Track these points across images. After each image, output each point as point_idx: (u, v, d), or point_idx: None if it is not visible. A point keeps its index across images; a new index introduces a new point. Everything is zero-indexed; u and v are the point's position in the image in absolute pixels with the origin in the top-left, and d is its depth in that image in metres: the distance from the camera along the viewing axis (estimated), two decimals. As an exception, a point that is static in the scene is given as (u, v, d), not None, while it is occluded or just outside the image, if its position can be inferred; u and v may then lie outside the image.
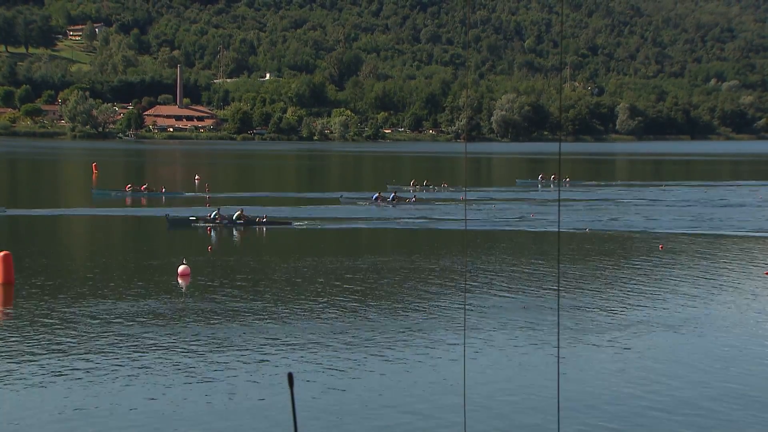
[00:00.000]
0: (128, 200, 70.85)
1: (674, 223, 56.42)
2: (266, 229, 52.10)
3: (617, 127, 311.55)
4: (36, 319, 27.86)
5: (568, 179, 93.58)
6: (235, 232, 51.22)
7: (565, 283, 35.38)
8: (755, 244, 47.86)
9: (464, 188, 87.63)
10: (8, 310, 29.70)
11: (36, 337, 25.53)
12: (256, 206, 61.07)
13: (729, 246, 47.21)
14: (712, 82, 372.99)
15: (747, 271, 38.79)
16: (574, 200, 72.97)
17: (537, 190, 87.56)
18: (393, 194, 67.65)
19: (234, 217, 52.51)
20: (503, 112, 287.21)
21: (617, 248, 46.12)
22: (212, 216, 52.65)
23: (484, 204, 69.26)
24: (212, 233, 50.50)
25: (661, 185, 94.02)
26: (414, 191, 78.42)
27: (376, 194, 67.65)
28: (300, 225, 53.56)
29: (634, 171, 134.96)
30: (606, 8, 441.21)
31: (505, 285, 34.50)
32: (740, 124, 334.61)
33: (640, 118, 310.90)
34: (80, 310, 28.99)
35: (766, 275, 37.70)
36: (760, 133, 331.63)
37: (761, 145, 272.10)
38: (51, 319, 27.78)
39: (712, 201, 74.33)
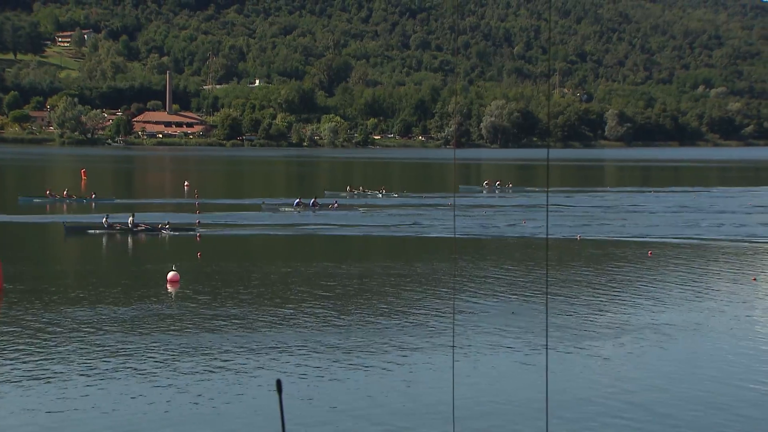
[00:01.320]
0: (48, 207, 69.38)
1: (604, 230, 56.15)
2: (168, 235, 51.43)
3: (606, 133, 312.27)
4: (23, 325, 27.77)
5: (510, 185, 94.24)
6: (130, 240, 50.41)
7: (531, 287, 35.44)
8: (744, 251, 47.85)
9: (453, 194, 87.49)
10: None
11: (23, 344, 25.43)
12: (167, 212, 62.09)
13: (717, 252, 47.26)
14: (700, 88, 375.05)
15: (735, 278, 38.90)
16: (512, 206, 73.54)
17: (482, 196, 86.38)
18: (313, 200, 67.70)
19: (129, 224, 51.78)
20: (492, 119, 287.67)
21: (603, 254, 46.11)
22: (104, 222, 51.94)
23: (416, 209, 69.50)
24: (104, 240, 49.93)
25: (606, 190, 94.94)
26: (350, 197, 79.27)
27: (297, 200, 67.85)
28: (203, 231, 53.19)
29: (601, 177, 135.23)
30: (594, 15, 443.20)
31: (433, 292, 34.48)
32: (728, 130, 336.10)
33: (628, 124, 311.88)
34: (64, 316, 28.92)
35: (754, 281, 37.77)
36: (748, 140, 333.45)
37: (749, 151, 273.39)
38: (38, 325, 27.66)
39: (686, 206, 74.57)
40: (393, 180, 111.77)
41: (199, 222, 57.00)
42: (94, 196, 74.35)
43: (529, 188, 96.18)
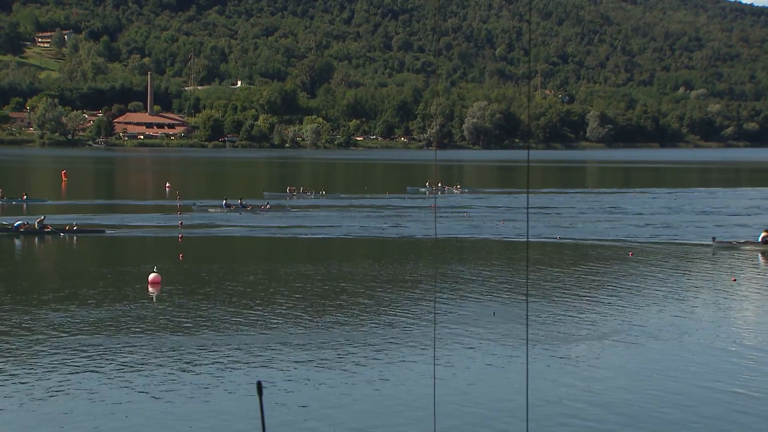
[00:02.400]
0: None
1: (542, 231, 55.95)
2: (76, 237, 50.62)
3: (588, 134, 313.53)
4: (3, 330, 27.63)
5: (458, 186, 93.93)
6: (37, 242, 49.39)
7: (507, 289, 35.48)
8: (723, 252, 47.85)
9: (437, 194, 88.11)
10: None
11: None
12: (148, 213, 62.28)
13: (697, 253, 47.36)
14: (681, 90, 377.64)
15: (715, 279, 39.11)
16: (463, 207, 73.24)
17: (425, 197, 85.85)
18: (240, 201, 67.32)
19: (37, 225, 50.90)
20: (474, 120, 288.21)
21: (583, 255, 46.16)
22: (15, 225, 51.11)
23: (361, 209, 69.50)
24: (16, 242, 49.17)
25: (588, 191, 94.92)
26: (290, 198, 79.19)
27: (224, 201, 67.45)
28: (112, 233, 52.57)
29: (581, 178, 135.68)
30: (576, 17, 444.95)
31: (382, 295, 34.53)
32: (708, 132, 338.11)
33: (610, 125, 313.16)
34: (41, 319, 28.78)
35: (734, 282, 37.97)
36: (728, 141, 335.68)
37: (729, 152, 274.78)
38: (16, 329, 27.47)
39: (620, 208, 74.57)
40: (355, 181, 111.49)
41: (181, 223, 56.61)
42: (25, 197, 73.10)
43: (479, 189, 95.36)
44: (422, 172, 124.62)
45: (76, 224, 52.51)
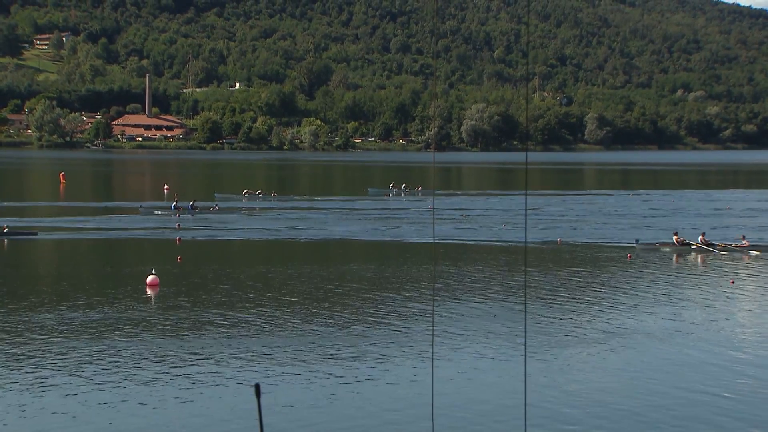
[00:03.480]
0: None
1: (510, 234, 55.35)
2: (7, 240, 49.31)
3: (586, 136, 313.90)
4: (4, 329, 27.60)
5: (420, 188, 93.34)
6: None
7: (496, 291, 35.46)
8: (721, 253, 47.49)
9: (433, 197, 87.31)
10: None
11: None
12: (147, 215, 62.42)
13: (695, 255, 47.08)
14: (679, 92, 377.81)
15: (713, 280, 39.11)
16: (425, 208, 72.88)
17: (388, 199, 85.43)
18: (191, 203, 66.43)
19: None
20: (473, 122, 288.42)
21: (582, 258, 46.07)
22: None
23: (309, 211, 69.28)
24: None
25: (585, 193, 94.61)
26: (245, 200, 78.16)
27: (174, 203, 66.53)
28: (47, 236, 51.70)
29: (579, 180, 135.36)
30: (574, 19, 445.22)
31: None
32: (706, 134, 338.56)
33: (608, 128, 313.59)
34: (38, 321, 28.68)
35: (732, 284, 37.92)
36: (726, 143, 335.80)
37: (727, 155, 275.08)
38: (12, 331, 27.36)
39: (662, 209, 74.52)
40: (335, 183, 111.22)
41: (179, 225, 56.44)
42: None
43: (439, 191, 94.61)
44: (404, 174, 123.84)
45: (7, 226, 51.05)
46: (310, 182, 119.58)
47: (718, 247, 47.18)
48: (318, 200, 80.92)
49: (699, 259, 45.52)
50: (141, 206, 67.90)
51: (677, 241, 47.74)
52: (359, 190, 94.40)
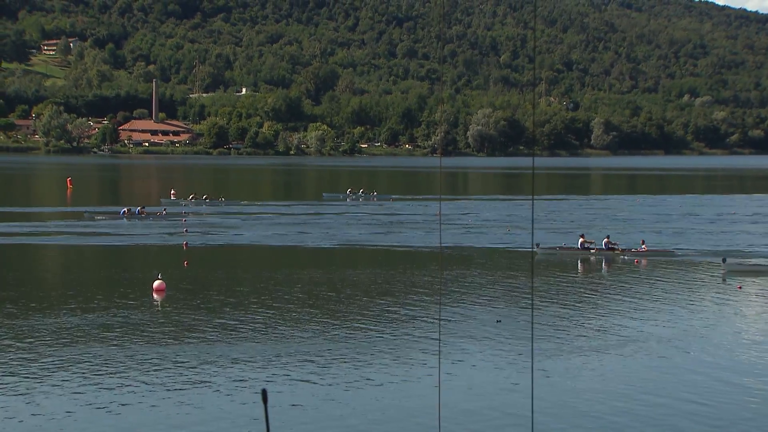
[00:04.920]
0: None
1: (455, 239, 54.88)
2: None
3: (592, 142, 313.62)
4: (5, 333, 27.53)
5: (375, 193, 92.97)
6: None
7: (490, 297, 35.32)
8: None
9: (440, 201, 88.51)
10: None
11: (4, 353, 25.23)
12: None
13: (702, 260, 46.82)
14: (685, 97, 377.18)
15: (720, 286, 38.97)
16: (372, 213, 72.99)
17: (345, 204, 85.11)
18: (139, 209, 66.06)
19: None
20: (479, 127, 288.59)
21: (589, 262, 45.92)
22: None
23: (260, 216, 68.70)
24: None
25: (587, 198, 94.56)
26: (189, 204, 77.21)
27: (124, 209, 66.04)
28: (49, 240, 51.72)
29: (586, 185, 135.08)
30: (581, 24, 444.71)
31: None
32: (713, 139, 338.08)
33: (614, 133, 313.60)
34: (46, 325, 28.67)
35: (739, 289, 37.82)
36: (733, 149, 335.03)
37: (734, 160, 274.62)
38: (19, 335, 27.32)
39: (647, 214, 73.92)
40: (299, 188, 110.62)
41: (186, 230, 56.83)
42: None
43: (395, 195, 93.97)
44: (410, 179, 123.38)
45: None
46: (271, 187, 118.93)
47: (618, 251, 47.34)
48: (267, 205, 79.99)
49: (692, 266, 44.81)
50: (86, 212, 67.40)
51: (581, 244, 47.84)
52: (318, 195, 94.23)
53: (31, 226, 60.63)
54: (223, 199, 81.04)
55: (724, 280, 40.17)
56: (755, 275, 41.13)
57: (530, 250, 47.15)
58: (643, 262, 45.67)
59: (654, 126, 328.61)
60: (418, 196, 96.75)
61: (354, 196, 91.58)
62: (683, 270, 43.01)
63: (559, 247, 48.58)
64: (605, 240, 48.33)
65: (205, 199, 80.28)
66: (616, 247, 47.88)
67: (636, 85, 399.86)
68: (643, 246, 47.81)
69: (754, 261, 44.05)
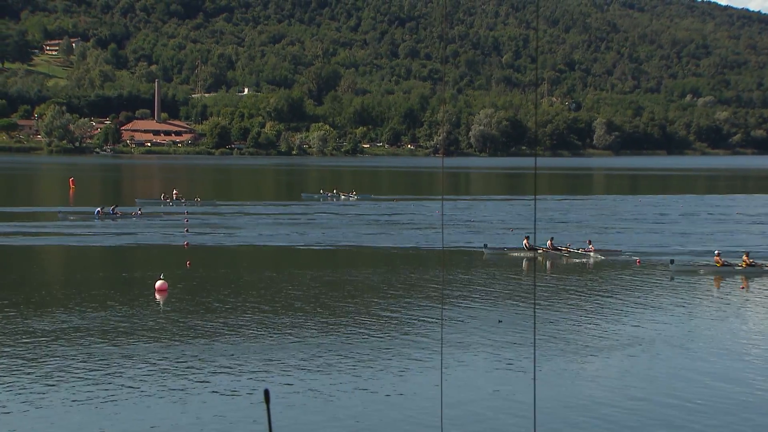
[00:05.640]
0: None
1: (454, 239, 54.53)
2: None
3: (594, 142, 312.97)
4: (7, 334, 27.54)
5: (353, 192, 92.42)
6: None
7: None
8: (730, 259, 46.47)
9: (441, 201, 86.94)
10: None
11: (7, 354, 25.27)
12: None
13: (705, 260, 46.26)
14: (688, 97, 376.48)
15: (724, 286, 39.03)
16: (358, 213, 72.53)
17: (319, 203, 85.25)
18: (113, 208, 65.72)
19: None
20: (481, 127, 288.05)
21: (590, 264, 45.69)
22: None
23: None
24: None
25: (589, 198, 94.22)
26: (165, 205, 76.78)
27: (98, 209, 65.68)
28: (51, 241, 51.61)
29: (588, 185, 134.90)
30: (583, 24, 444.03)
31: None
32: (716, 139, 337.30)
33: (617, 133, 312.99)
34: (47, 325, 28.66)
35: (742, 289, 37.86)
36: (735, 149, 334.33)
37: (736, 160, 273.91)
38: (19, 335, 27.33)
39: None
40: (284, 188, 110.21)
41: (187, 230, 56.93)
42: None
43: (375, 196, 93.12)
44: (413, 179, 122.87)
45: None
46: (255, 187, 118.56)
47: (564, 252, 47.61)
48: (245, 205, 79.64)
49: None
50: (60, 212, 66.79)
51: (527, 246, 48.06)
52: (296, 195, 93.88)
53: (25, 226, 60.37)
54: (198, 200, 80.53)
55: (671, 279, 40.39)
56: (702, 276, 41.30)
57: (479, 250, 48.10)
58: (590, 261, 45.92)
59: (656, 126, 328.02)
60: (399, 196, 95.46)
61: (333, 196, 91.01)
62: (683, 272, 42.56)
63: (506, 248, 49.12)
64: (549, 241, 48.61)
65: (178, 198, 79.77)
66: (560, 247, 48.13)
67: (638, 85, 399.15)
68: (590, 246, 47.87)
69: (702, 262, 44.14)
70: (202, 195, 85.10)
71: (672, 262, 42.84)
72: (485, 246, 48.89)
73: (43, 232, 56.93)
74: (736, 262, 42.82)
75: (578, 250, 47.80)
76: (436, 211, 74.89)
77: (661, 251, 49.94)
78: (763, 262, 43.37)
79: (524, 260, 46.64)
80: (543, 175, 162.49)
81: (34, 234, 55.80)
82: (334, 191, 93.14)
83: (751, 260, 42.36)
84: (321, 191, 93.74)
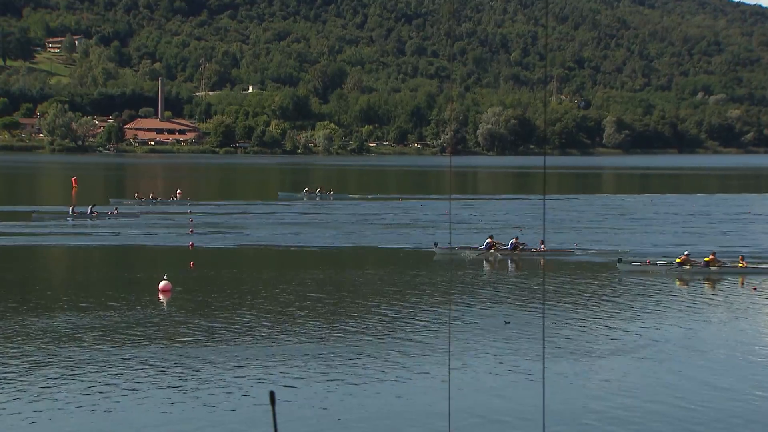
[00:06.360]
0: None
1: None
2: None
3: (604, 140, 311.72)
4: (7, 334, 27.61)
5: (332, 192, 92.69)
6: None
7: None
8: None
9: (449, 200, 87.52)
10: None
11: (10, 355, 25.26)
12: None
13: (598, 262, 46.19)
14: (699, 95, 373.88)
15: (735, 288, 38.75)
16: (335, 213, 72.68)
17: (302, 203, 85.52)
18: (90, 208, 65.63)
19: None
20: (489, 126, 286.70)
21: (600, 265, 44.36)
22: None
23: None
24: None
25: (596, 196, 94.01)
26: (138, 204, 76.82)
27: (71, 208, 66.01)
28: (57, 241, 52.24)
29: (598, 184, 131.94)
30: (592, 21, 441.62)
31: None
32: (728, 137, 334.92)
33: (627, 131, 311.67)
34: (50, 326, 28.69)
35: (754, 291, 37.53)
36: (748, 147, 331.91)
37: (749, 159, 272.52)
38: (22, 336, 27.39)
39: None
40: (262, 187, 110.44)
41: (192, 231, 56.97)
42: None
43: (351, 195, 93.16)
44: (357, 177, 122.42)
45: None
46: (228, 186, 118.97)
47: (516, 251, 47.39)
48: (220, 204, 79.61)
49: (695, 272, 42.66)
50: (34, 212, 66.30)
51: (487, 245, 47.92)
52: (272, 196, 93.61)
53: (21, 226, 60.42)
54: (174, 198, 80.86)
55: (619, 280, 40.05)
56: (650, 275, 40.90)
57: (431, 249, 47.89)
58: (541, 261, 46.15)
59: (667, 124, 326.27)
60: (380, 195, 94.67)
61: (311, 196, 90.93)
62: (696, 274, 41.73)
63: (458, 247, 48.96)
64: (513, 240, 48.40)
65: (153, 198, 79.98)
66: (519, 246, 47.96)
67: (649, 82, 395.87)
68: (542, 246, 47.54)
69: (649, 260, 43.58)
70: (189, 194, 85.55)
71: (620, 261, 42.72)
72: (435, 245, 48.42)
73: (18, 232, 56.60)
74: (699, 260, 42.31)
75: (531, 249, 47.70)
76: (444, 211, 74.93)
77: (612, 250, 49.47)
78: (726, 261, 42.79)
79: (479, 259, 46.46)
80: (552, 174, 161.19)
81: (30, 234, 55.86)
82: (317, 190, 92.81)
83: (717, 260, 42.07)
84: (305, 190, 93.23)
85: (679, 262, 41.72)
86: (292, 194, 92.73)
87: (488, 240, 48.18)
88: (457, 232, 58.35)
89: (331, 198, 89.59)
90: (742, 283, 39.70)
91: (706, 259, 41.89)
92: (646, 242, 53.81)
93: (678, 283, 40.05)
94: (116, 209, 68.23)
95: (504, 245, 47.79)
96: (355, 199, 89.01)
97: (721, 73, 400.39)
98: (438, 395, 21.22)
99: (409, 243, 52.77)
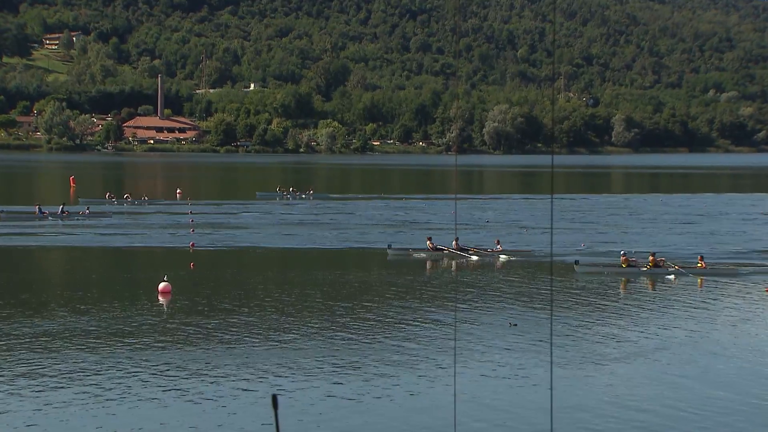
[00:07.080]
0: None
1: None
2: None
3: (613, 139, 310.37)
4: (8, 337, 27.34)
5: (311, 191, 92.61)
6: None
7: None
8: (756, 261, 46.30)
9: (455, 200, 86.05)
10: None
11: (10, 355, 25.14)
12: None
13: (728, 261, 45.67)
14: (711, 93, 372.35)
15: (747, 289, 38.12)
16: (315, 213, 72.49)
17: (275, 202, 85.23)
18: (61, 207, 65.98)
19: None
20: (495, 124, 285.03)
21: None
22: None
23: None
24: None
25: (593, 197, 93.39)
26: (110, 203, 77.46)
27: (37, 206, 66.00)
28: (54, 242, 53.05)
29: (606, 184, 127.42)
30: (601, 17, 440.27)
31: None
32: (739, 136, 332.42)
33: (636, 130, 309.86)
34: (49, 327, 28.65)
35: (767, 292, 37.19)
36: (760, 146, 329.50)
37: (761, 157, 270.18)
38: (21, 338, 27.14)
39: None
40: (239, 186, 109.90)
41: (193, 230, 56.93)
42: None
43: (333, 195, 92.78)
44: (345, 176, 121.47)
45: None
46: (206, 186, 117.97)
47: (470, 252, 47.19)
48: (195, 204, 78.40)
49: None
50: (2, 212, 66.01)
51: (431, 247, 47.59)
52: (249, 195, 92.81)
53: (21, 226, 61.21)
54: (146, 198, 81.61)
55: (576, 281, 39.70)
56: (606, 276, 40.89)
57: (383, 250, 48.12)
58: (498, 263, 45.36)
59: (677, 122, 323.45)
60: (361, 195, 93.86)
61: (288, 195, 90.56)
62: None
63: (411, 249, 48.86)
64: (454, 242, 47.70)
65: (126, 197, 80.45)
66: (467, 248, 47.66)
67: (659, 80, 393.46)
68: (498, 246, 47.35)
69: (605, 261, 44.10)
70: (188, 194, 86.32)
71: (577, 263, 42.37)
72: (389, 246, 48.69)
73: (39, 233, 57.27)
74: (642, 261, 42.37)
75: (487, 250, 47.34)
76: (451, 211, 75.44)
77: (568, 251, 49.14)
78: (669, 262, 42.47)
79: (428, 261, 46.02)
80: (560, 173, 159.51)
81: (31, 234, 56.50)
82: (291, 189, 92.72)
83: (660, 260, 42.16)
84: (278, 189, 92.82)
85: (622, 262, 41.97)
86: (270, 194, 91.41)
87: (428, 242, 47.97)
88: (464, 233, 57.18)
89: (311, 197, 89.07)
90: (736, 289, 38.96)
91: (651, 259, 41.96)
92: (655, 243, 52.44)
93: (682, 285, 39.20)
94: (87, 209, 68.23)
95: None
96: (335, 198, 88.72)
97: (732, 70, 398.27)
98: (443, 399, 21.35)
99: (416, 244, 51.71)
